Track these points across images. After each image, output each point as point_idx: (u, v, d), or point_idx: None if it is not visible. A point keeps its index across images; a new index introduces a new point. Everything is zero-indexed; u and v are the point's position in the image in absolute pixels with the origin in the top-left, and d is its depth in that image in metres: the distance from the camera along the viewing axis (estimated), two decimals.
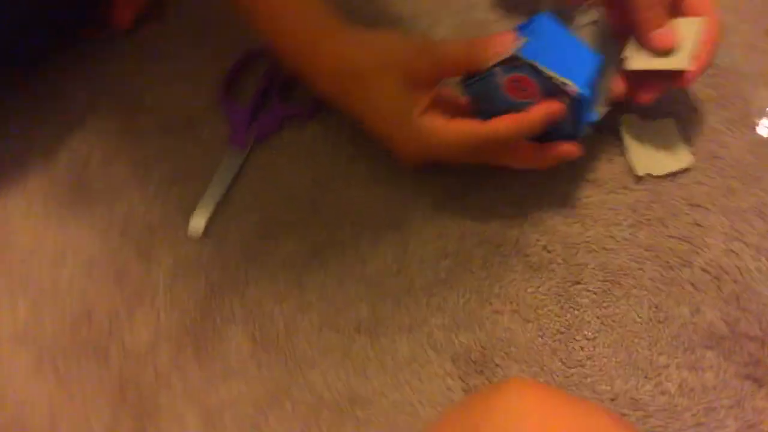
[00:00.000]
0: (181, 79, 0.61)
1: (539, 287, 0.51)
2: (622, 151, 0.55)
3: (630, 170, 0.55)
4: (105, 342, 0.49)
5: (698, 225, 0.52)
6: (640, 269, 0.51)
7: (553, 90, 0.46)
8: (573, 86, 0.45)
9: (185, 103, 0.60)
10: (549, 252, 0.52)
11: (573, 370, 0.48)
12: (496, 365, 0.48)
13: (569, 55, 0.47)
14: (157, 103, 0.60)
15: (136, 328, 0.50)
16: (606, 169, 0.55)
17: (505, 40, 0.46)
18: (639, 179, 0.54)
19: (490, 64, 0.46)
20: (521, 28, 0.47)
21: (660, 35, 0.48)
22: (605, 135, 0.56)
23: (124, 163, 0.57)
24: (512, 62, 0.45)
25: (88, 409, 0.47)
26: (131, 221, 0.54)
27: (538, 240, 0.52)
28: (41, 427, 0.47)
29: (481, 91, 0.48)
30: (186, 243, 0.53)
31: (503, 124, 0.47)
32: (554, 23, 0.47)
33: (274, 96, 0.59)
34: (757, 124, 0.55)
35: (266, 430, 0.46)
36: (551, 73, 0.45)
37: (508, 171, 0.53)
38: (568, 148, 0.49)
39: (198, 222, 0.54)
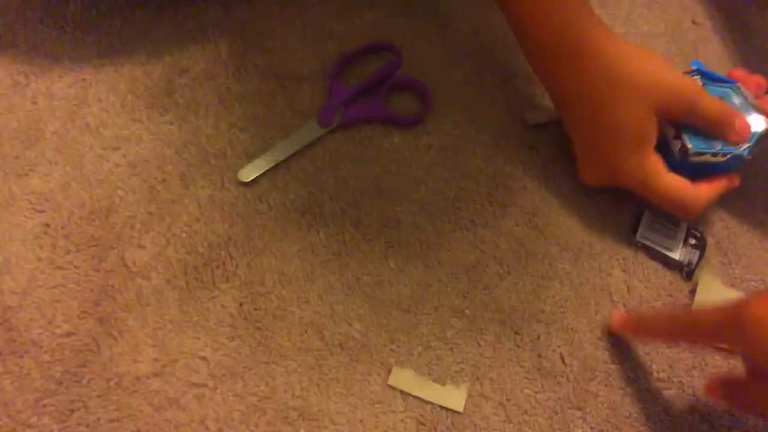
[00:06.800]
0: (309, 34, 0.61)
1: (537, 393, 0.47)
2: (690, 304, 0.51)
3: None
4: (108, 244, 0.48)
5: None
6: (646, 426, 0.46)
7: None
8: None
9: (301, 57, 0.59)
10: (564, 364, 0.48)
11: None
12: None
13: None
14: (276, 46, 0.59)
15: (143, 246, 0.49)
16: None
17: (748, 129, 0.50)
18: None
19: (728, 142, 0.50)
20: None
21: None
22: (684, 282, 0.53)
23: (214, 89, 0.56)
24: None
25: (62, 295, 0.46)
26: (191, 144, 0.54)
27: (559, 347, 0.49)
28: (14, 288, 0.46)
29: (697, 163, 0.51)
30: (229, 186, 0.52)
31: (707, 190, 0.51)
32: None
33: (380, 93, 0.57)
34: None
35: (208, 399, 0.44)
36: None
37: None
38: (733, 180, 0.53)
39: (251, 170, 0.53)
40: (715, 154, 0.50)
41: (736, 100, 0.53)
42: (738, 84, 0.53)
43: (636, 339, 0.49)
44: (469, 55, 0.62)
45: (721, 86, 0.53)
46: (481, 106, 0.59)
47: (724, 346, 0.47)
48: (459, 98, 0.59)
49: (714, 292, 0.52)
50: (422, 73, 0.60)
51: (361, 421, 0.45)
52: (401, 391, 0.46)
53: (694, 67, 0.54)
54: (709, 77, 0.53)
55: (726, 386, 0.43)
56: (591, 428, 0.46)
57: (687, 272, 0.53)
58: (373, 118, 0.57)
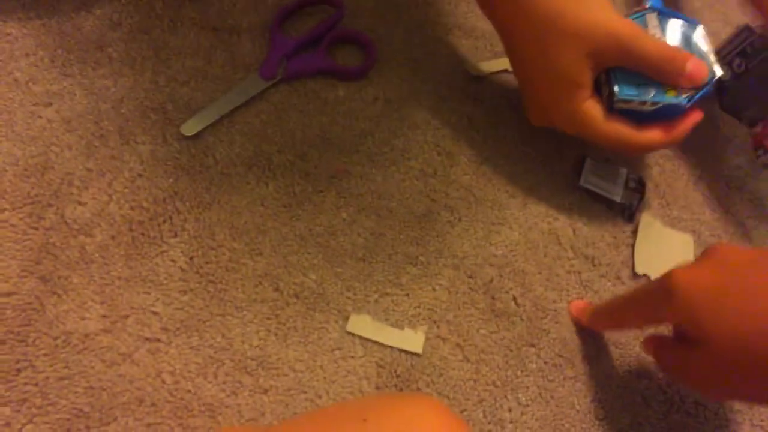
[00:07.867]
0: None
1: (493, 333, 0.48)
2: (632, 244, 0.53)
3: (631, 265, 0.52)
4: (46, 201, 0.46)
5: None
6: (598, 359, 0.48)
7: None
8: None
9: (240, 10, 0.57)
10: (517, 305, 0.49)
11: (490, 427, 0.44)
12: (418, 389, 0.45)
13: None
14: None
15: (83, 202, 0.47)
16: (608, 253, 0.53)
17: (703, 72, 0.47)
18: (635, 276, 0.52)
19: (681, 88, 0.47)
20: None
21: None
22: (626, 224, 0.54)
23: (150, 42, 0.54)
24: None
25: None
26: (129, 98, 0.51)
27: (511, 289, 0.50)
28: None
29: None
30: (171, 141, 0.50)
31: (656, 137, 0.49)
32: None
33: (322, 45, 0.56)
34: None
35: (162, 353, 0.43)
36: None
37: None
38: (696, 117, 0.50)
39: (194, 124, 0.51)
40: (642, 102, 0.48)
41: (698, 41, 0.49)
42: (700, 25, 0.50)
43: (592, 329, 0.49)
44: (410, 8, 0.61)
45: (680, 25, 0.50)
46: (425, 58, 0.59)
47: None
48: (402, 51, 0.59)
49: (654, 232, 0.54)
50: (364, 26, 0.59)
51: (321, 367, 0.44)
52: (360, 337, 0.46)
53: (648, 5, 0.50)
54: (667, 15, 0.50)
55: (657, 346, 0.43)
56: (545, 363, 0.47)
57: (628, 214, 0.55)
58: (316, 70, 0.56)
